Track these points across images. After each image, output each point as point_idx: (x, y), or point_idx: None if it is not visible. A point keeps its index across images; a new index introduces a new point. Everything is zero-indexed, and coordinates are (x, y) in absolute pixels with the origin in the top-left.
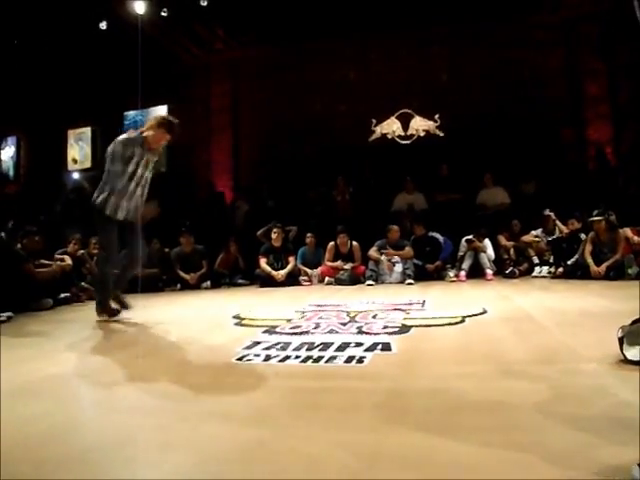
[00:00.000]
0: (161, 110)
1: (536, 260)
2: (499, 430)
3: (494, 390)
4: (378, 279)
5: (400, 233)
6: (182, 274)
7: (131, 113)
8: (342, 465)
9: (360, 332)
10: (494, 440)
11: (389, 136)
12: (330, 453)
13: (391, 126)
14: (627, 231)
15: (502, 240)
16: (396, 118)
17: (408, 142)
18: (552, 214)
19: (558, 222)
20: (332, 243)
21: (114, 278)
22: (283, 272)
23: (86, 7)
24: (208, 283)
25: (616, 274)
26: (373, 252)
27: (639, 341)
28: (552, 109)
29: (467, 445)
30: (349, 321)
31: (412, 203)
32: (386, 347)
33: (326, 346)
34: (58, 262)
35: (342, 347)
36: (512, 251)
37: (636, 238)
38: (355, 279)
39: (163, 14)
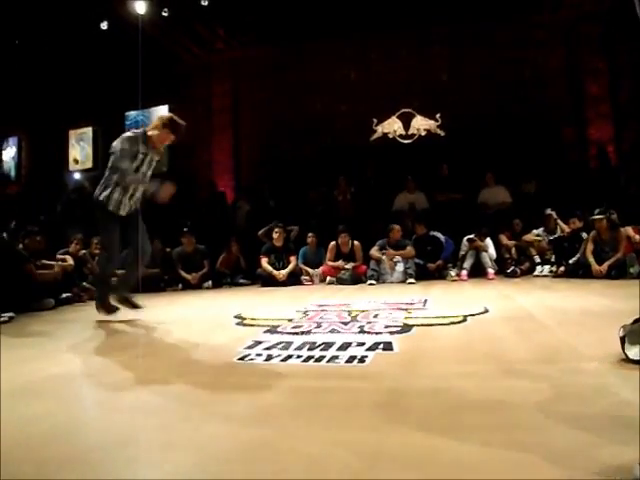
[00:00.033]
0: (162, 110)
1: (537, 259)
2: (500, 429)
3: (495, 389)
4: (379, 278)
5: (401, 232)
6: (183, 274)
7: (132, 113)
8: (343, 465)
9: (362, 332)
10: (495, 439)
11: (390, 135)
12: (331, 453)
13: (392, 125)
14: (628, 230)
15: (503, 239)
16: (397, 117)
17: (409, 141)
18: (553, 213)
19: (559, 221)
20: (333, 243)
21: (122, 280)
22: (284, 272)
23: (87, 7)
24: (209, 283)
25: (618, 273)
26: (374, 251)
27: None
28: (553, 109)
29: (468, 444)
30: (351, 321)
31: (413, 202)
32: (388, 346)
33: (328, 346)
34: (60, 262)
35: (344, 347)
36: (513, 250)
37: (637, 237)
38: (356, 279)
39: (164, 14)
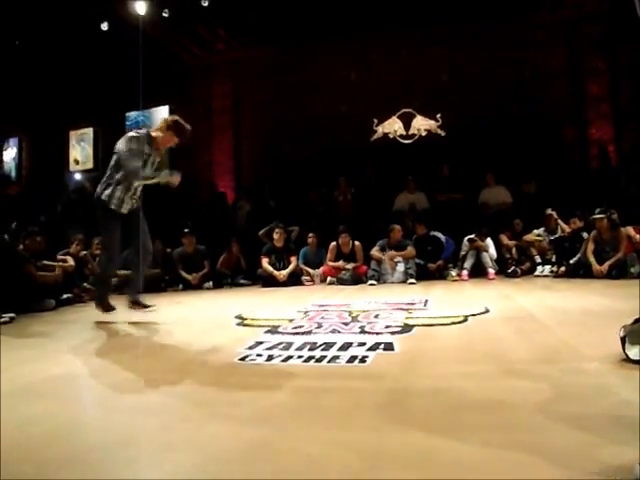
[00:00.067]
0: (163, 111)
1: (538, 259)
2: (501, 429)
3: (496, 389)
4: (380, 279)
5: (402, 233)
6: (184, 274)
7: (133, 114)
8: (344, 465)
9: (362, 332)
10: (496, 439)
11: (390, 136)
12: (332, 453)
13: (392, 126)
14: (629, 230)
15: (504, 239)
16: (398, 118)
17: (410, 142)
18: (554, 213)
19: (560, 221)
20: (334, 243)
21: (129, 285)
22: (285, 272)
23: (87, 8)
24: (210, 283)
25: (618, 273)
26: (375, 252)
27: None
28: (553, 109)
29: (469, 444)
30: (351, 321)
31: (414, 202)
32: (389, 347)
33: (328, 346)
34: (60, 263)
35: (344, 347)
36: (514, 250)
37: (638, 237)
38: (357, 279)
39: (164, 15)
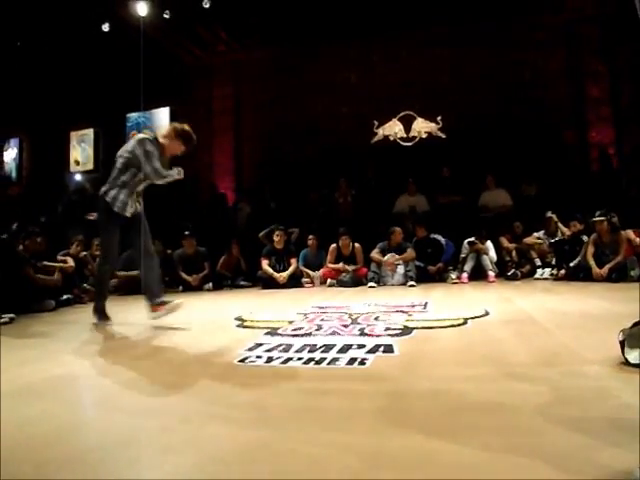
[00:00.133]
0: (163, 112)
1: (538, 262)
2: (500, 432)
3: (495, 392)
4: (380, 281)
5: (402, 235)
6: (184, 276)
7: (133, 115)
8: (343, 466)
9: (362, 334)
10: (495, 442)
11: (391, 138)
12: (331, 454)
13: (393, 128)
14: (629, 233)
15: (504, 242)
16: (398, 120)
17: (410, 144)
18: (554, 216)
19: (560, 224)
20: (334, 245)
21: (147, 290)
22: (285, 274)
23: (88, 9)
24: (210, 285)
25: (618, 276)
26: (375, 254)
27: None
28: (553, 111)
29: (468, 447)
30: (351, 323)
31: (414, 205)
32: (388, 349)
33: (328, 348)
34: (60, 264)
35: (344, 349)
36: (514, 253)
37: (638, 240)
38: (357, 281)
39: (165, 16)
